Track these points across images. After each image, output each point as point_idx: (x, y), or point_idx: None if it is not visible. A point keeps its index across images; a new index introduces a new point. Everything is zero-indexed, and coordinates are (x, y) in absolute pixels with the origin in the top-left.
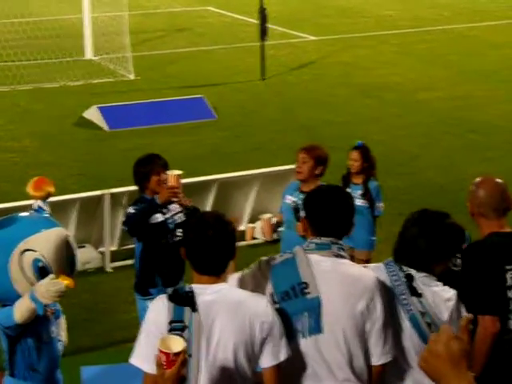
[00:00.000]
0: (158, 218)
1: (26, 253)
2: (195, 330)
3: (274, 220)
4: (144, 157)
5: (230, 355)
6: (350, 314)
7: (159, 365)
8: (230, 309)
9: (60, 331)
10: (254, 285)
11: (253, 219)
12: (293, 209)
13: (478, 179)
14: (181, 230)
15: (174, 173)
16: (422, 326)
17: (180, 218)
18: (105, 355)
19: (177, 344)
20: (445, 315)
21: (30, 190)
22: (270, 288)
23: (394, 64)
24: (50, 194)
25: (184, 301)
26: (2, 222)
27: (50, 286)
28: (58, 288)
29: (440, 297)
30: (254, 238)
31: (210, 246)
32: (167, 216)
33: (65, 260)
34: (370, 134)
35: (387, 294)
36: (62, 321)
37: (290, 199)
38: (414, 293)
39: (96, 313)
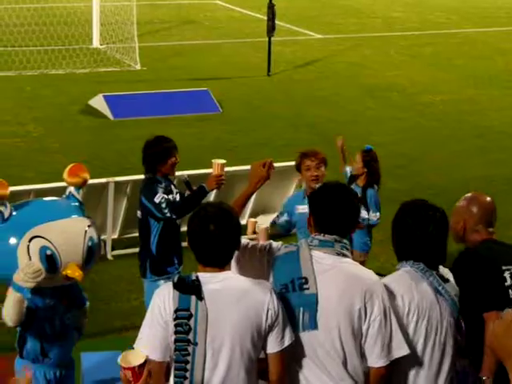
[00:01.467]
0: (176, 197)
1: (36, 239)
2: (201, 319)
3: (269, 228)
4: (155, 139)
5: (236, 343)
6: (347, 312)
7: (127, 382)
8: (236, 297)
9: (80, 319)
10: (257, 269)
11: (254, 213)
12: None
13: (468, 196)
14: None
15: (218, 162)
16: (457, 305)
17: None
18: (104, 342)
19: (138, 357)
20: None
21: (65, 176)
22: (270, 277)
23: (399, 66)
24: (85, 181)
25: (190, 289)
26: (27, 202)
27: (27, 269)
28: (34, 268)
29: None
30: (255, 233)
31: (212, 240)
32: (176, 199)
33: (79, 251)
34: (372, 134)
35: (393, 298)
36: (85, 309)
37: (303, 208)
38: (444, 280)
39: (96, 300)
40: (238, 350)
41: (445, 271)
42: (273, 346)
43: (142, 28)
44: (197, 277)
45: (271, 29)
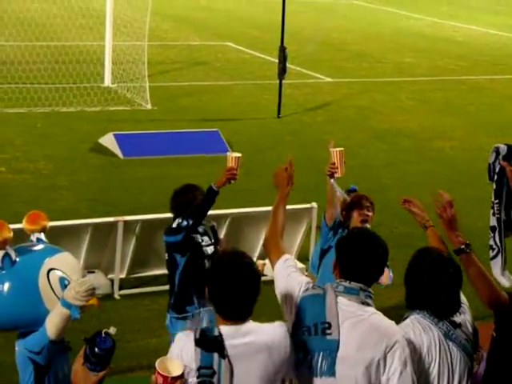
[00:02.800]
0: (198, 238)
1: (52, 272)
2: (224, 376)
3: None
4: (182, 188)
5: None
6: (366, 363)
7: None
8: (260, 352)
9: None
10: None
11: (263, 255)
12: None
13: None
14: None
15: (233, 155)
16: (470, 350)
17: (211, 250)
18: (110, 383)
19: (176, 368)
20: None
21: (25, 224)
22: (293, 317)
23: (409, 111)
24: (45, 228)
25: (213, 346)
26: (19, 249)
27: (78, 287)
28: (87, 287)
29: (468, 314)
30: (264, 275)
31: (233, 293)
32: (204, 243)
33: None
34: (382, 178)
35: (414, 350)
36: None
37: None
38: (456, 325)
39: None
40: None
41: (457, 318)
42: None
43: (153, 68)
44: (219, 333)
45: (282, 71)
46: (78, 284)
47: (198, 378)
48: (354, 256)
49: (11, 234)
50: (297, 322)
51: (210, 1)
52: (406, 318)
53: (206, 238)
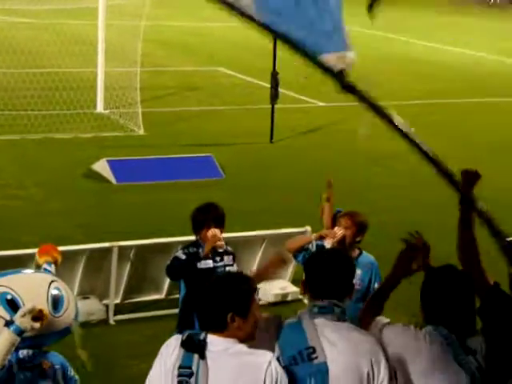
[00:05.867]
0: (209, 263)
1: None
2: (202, 377)
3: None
4: (202, 205)
5: None
6: (356, 379)
7: None
8: (238, 362)
9: None
10: (265, 340)
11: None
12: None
13: None
14: None
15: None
16: (478, 381)
17: (231, 269)
18: None
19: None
20: None
21: (38, 254)
22: (276, 351)
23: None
24: (57, 261)
25: (195, 348)
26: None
27: (24, 310)
28: (29, 308)
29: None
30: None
31: (202, 300)
32: (218, 264)
33: (43, 297)
34: (376, 201)
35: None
36: None
37: None
38: (469, 352)
39: (97, 366)
40: None
41: (473, 343)
42: None
43: (146, 93)
44: (204, 338)
45: (274, 96)
46: (25, 308)
47: (177, 376)
48: (321, 272)
49: (59, 257)
50: (281, 354)
51: (202, 26)
52: (421, 330)
53: (227, 258)
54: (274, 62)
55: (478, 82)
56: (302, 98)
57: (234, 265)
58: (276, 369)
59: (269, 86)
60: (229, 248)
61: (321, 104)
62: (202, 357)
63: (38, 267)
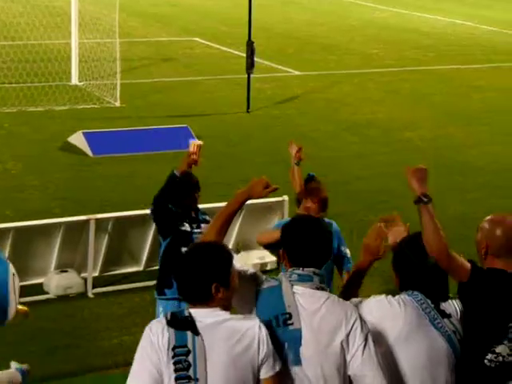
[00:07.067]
0: (186, 227)
1: None
2: (199, 353)
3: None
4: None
5: (232, 376)
6: (330, 347)
7: None
8: (229, 333)
9: None
10: (240, 301)
11: (235, 250)
12: (333, 260)
13: (494, 217)
14: None
15: (195, 142)
16: (456, 343)
17: None
18: (84, 381)
19: None
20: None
21: None
22: (254, 313)
23: (378, 102)
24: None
25: (185, 325)
26: None
27: None
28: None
29: (459, 308)
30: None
31: (184, 273)
32: (195, 231)
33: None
34: (353, 169)
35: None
36: None
37: None
38: (444, 315)
39: (76, 338)
40: (236, 381)
41: (448, 307)
42: (266, 371)
43: (121, 65)
44: (189, 313)
45: (250, 66)
46: None
47: (173, 357)
48: (300, 240)
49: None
50: (258, 315)
51: None
52: (395, 297)
53: (204, 226)
54: (249, 31)
55: (454, 49)
56: (277, 67)
57: None
58: (264, 331)
59: (244, 55)
60: (207, 217)
61: (297, 73)
62: (196, 333)
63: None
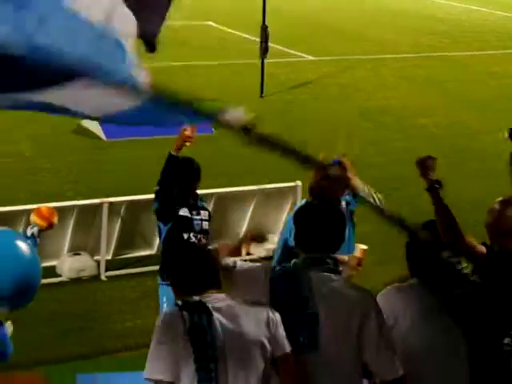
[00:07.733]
0: (185, 212)
1: None
2: (216, 333)
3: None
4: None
5: (247, 355)
6: (346, 331)
7: None
8: (240, 314)
9: None
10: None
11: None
12: None
13: (504, 199)
14: (203, 236)
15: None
16: (466, 329)
17: (206, 225)
18: (98, 363)
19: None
20: None
21: (34, 217)
22: (267, 299)
23: (392, 88)
24: (52, 225)
25: (198, 308)
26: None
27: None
28: None
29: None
30: (249, 254)
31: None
32: (195, 217)
33: None
34: (366, 156)
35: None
36: None
37: None
38: (456, 301)
39: (89, 321)
40: (251, 360)
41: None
42: (280, 349)
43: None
44: (199, 298)
45: (264, 51)
46: None
47: (190, 340)
48: (313, 227)
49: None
50: (273, 302)
51: None
52: (405, 284)
53: (204, 213)
54: (263, 16)
55: (469, 35)
56: (291, 52)
57: (208, 223)
58: (277, 314)
59: (258, 39)
60: (205, 204)
61: (311, 58)
62: (210, 314)
63: (28, 225)
